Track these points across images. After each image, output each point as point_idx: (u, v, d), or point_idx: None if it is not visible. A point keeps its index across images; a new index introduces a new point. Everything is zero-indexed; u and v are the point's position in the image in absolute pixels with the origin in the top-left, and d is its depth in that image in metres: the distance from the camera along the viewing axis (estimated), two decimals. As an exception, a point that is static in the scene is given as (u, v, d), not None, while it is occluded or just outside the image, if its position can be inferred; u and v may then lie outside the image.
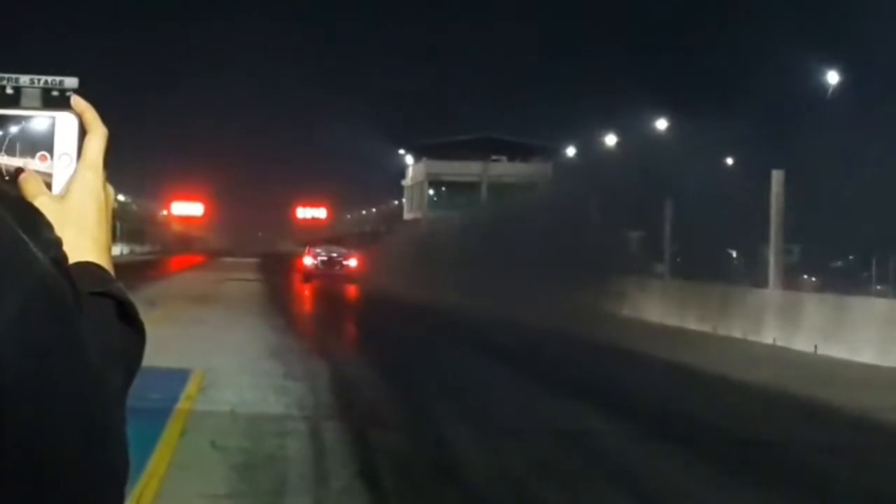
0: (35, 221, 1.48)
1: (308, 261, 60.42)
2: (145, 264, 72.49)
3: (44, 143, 1.72)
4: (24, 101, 1.74)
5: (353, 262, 60.29)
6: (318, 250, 61.29)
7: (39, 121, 1.74)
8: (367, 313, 38.29)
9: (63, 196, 1.67)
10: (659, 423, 15.92)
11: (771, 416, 17.43)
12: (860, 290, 37.53)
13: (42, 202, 1.62)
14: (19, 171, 1.67)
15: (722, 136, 54.52)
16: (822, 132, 58.23)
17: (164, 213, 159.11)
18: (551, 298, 38.88)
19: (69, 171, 1.70)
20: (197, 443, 13.09)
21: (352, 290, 51.55)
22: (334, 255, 60.51)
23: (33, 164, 1.71)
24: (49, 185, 1.69)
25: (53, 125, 1.73)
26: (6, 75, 1.75)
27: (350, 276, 57.67)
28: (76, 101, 1.72)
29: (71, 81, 1.77)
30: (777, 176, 31.22)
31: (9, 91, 1.74)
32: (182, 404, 15.86)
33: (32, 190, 1.65)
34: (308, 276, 57.89)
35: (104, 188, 1.71)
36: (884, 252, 47.42)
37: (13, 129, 1.73)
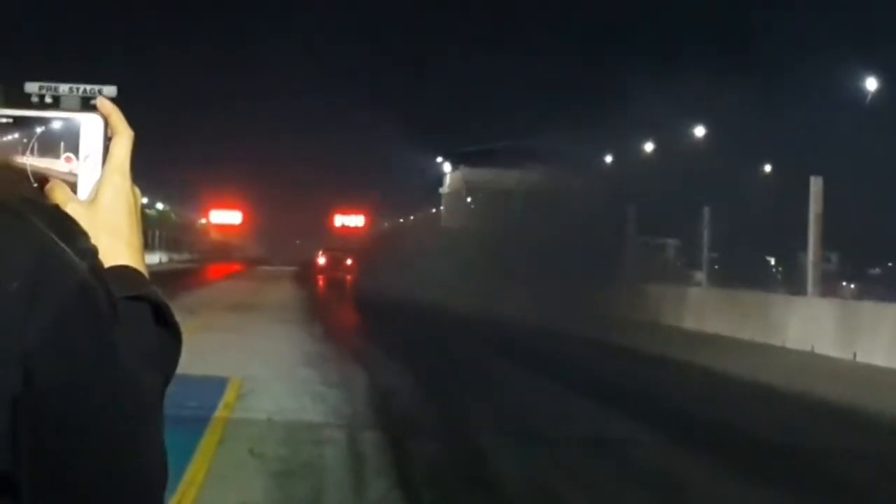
0: (71, 230, 1.49)
1: (321, 260, 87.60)
2: (183, 273, 72.68)
3: (69, 145, 1.73)
4: (62, 109, 1.75)
5: (349, 262, 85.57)
6: (327, 255, 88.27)
7: (65, 123, 1.74)
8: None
9: (92, 201, 1.68)
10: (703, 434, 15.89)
11: (811, 424, 17.35)
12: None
13: (73, 209, 1.63)
14: (45, 179, 1.67)
15: (760, 141, 54.31)
16: (860, 138, 57.96)
17: (203, 221, 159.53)
18: (586, 306, 38.84)
19: (95, 174, 1.71)
20: (235, 451, 13.12)
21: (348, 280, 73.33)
22: (338, 257, 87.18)
23: (58, 164, 1.72)
24: (74, 188, 1.70)
25: (79, 127, 1.74)
26: (46, 84, 1.76)
27: (347, 271, 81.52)
28: (102, 103, 1.73)
29: (109, 90, 1.77)
30: (815, 183, 31.08)
31: (48, 100, 1.75)
32: (220, 412, 15.90)
33: (61, 197, 1.66)
34: (320, 270, 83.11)
35: (132, 190, 1.72)
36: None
37: (40, 132, 1.73)
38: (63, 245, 1.42)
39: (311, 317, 37.67)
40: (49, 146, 1.74)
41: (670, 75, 65.14)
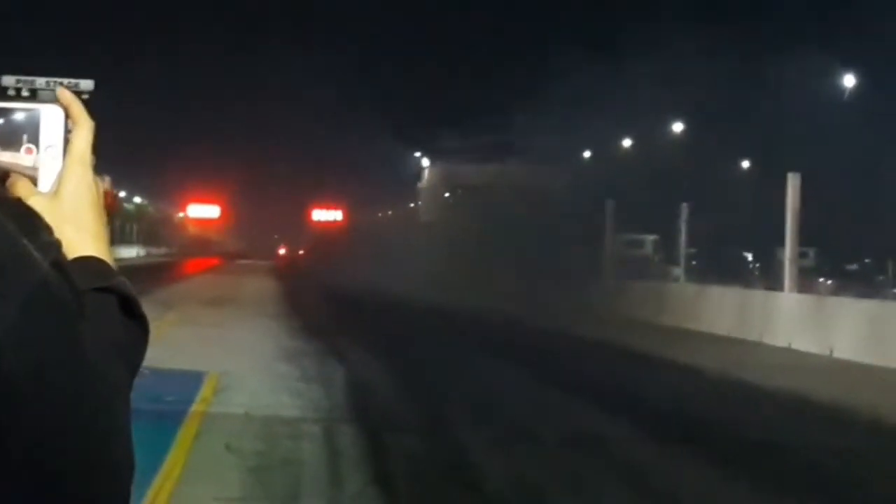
0: (34, 224, 1.48)
1: (281, 251, 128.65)
2: (161, 266, 72.59)
3: (30, 137, 1.71)
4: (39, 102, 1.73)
5: (300, 252, 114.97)
6: (285, 247, 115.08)
7: (26, 114, 1.72)
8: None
9: (55, 193, 1.66)
10: (679, 428, 15.91)
11: (788, 420, 17.40)
12: (877, 293, 37.39)
13: (36, 202, 1.61)
14: (6, 175, 1.66)
15: (737, 138, 54.53)
16: (838, 135, 58.19)
17: (181, 215, 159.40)
18: (563, 301, 39.03)
19: (56, 164, 1.69)
20: (212, 445, 13.09)
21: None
22: (293, 248, 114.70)
23: (19, 157, 1.70)
24: (35, 181, 1.68)
25: (39, 118, 1.72)
26: (23, 78, 1.74)
27: (299, 259, 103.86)
28: (62, 93, 1.71)
29: (87, 84, 1.75)
30: (793, 179, 31.16)
31: (24, 93, 1.73)
32: (197, 407, 15.87)
33: (23, 192, 1.64)
34: (280, 258, 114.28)
35: (94, 181, 1.70)
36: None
37: (0, 123, 1.71)
38: (25, 239, 1.41)
39: (288, 311, 37.69)
40: (10, 138, 1.72)
41: (649, 70, 65.24)
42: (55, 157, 1.70)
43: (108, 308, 1.55)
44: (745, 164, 71.87)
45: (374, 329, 30.18)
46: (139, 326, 1.60)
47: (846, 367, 24.64)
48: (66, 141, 1.71)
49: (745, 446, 14.63)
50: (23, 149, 1.71)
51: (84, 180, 1.68)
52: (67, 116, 1.71)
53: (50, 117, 1.72)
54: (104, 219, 1.69)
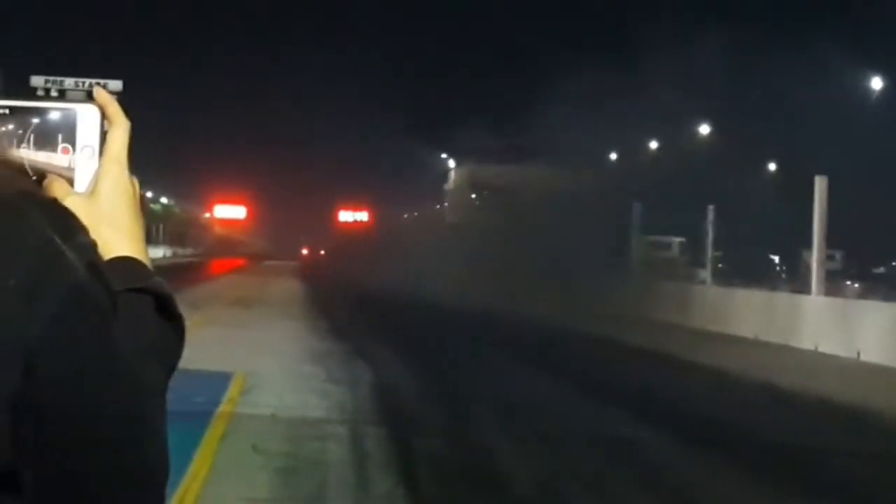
0: (70, 224, 1.48)
1: (304, 251, 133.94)
2: (187, 267, 72.74)
3: (66, 137, 1.72)
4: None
5: (321, 252, 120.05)
6: (308, 248, 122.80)
7: (62, 114, 1.73)
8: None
9: (91, 193, 1.67)
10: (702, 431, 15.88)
11: (815, 423, 17.34)
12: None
13: (72, 202, 1.61)
14: (43, 175, 1.66)
15: (764, 140, 54.39)
16: (865, 137, 57.97)
17: (207, 215, 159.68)
18: (590, 303, 39.03)
19: (92, 164, 1.70)
20: (238, 446, 13.12)
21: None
22: (315, 249, 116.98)
23: (56, 157, 1.71)
24: (72, 182, 1.69)
25: (75, 118, 1.72)
26: (52, 78, 1.75)
27: (321, 259, 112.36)
28: (99, 93, 1.71)
29: (115, 84, 1.76)
30: (820, 182, 31.05)
31: (53, 93, 1.74)
32: (224, 407, 15.90)
33: (60, 192, 1.64)
34: (302, 259, 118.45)
35: (130, 181, 1.70)
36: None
37: (36, 123, 1.72)
38: (61, 240, 1.42)
39: (314, 312, 37.73)
40: (46, 138, 1.73)
41: (675, 74, 65.09)
42: (91, 157, 1.71)
43: (143, 308, 1.56)
44: (772, 166, 71.67)
45: (400, 330, 30.18)
46: (175, 327, 1.61)
47: (873, 371, 24.54)
48: (103, 141, 1.72)
49: (772, 449, 14.58)
50: (59, 149, 1.72)
51: (121, 180, 1.68)
52: (104, 116, 1.72)
53: (86, 117, 1.73)
54: (141, 219, 1.70)
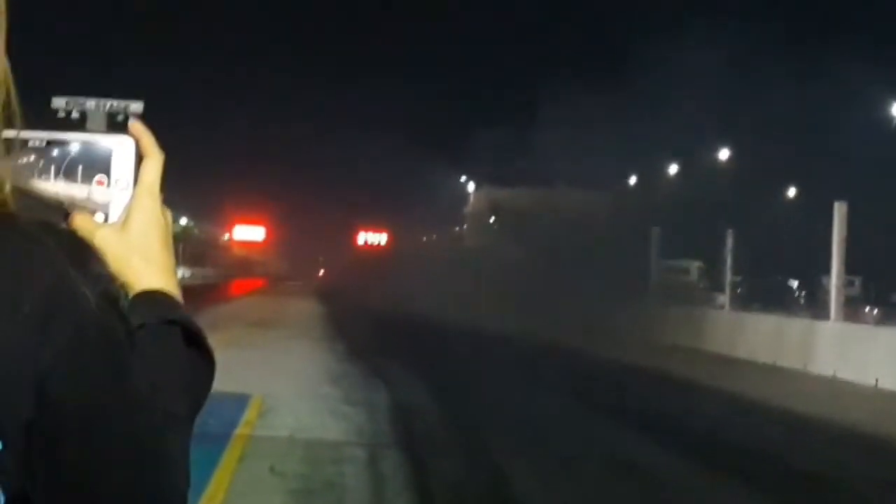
0: (85, 254, 1.51)
1: (322, 273, 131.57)
2: (206, 288, 72.80)
3: (101, 168, 1.73)
4: (89, 124, 1.74)
5: (340, 273, 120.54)
6: (325, 269, 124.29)
7: (97, 145, 1.74)
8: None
9: (123, 224, 1.68)
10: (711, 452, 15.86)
11: (833, 450, 17.30)
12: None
13: (104, 234, 1.64)
14: (68, 212, 1.66)
15: (784, 165, 54.26)
16: (886, 163, 57.83)
17: (227, 236, 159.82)
18: (609, 327, 39.04)
19: (126, 195, 1.72)
20: (256, 468, 13.13)
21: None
22: (329, 270, 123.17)
23: (89, 188, 1.72)
24: (104, 212, 1.70)
25: (111, 150, 1.73)
26: (73, 98, 1.75)
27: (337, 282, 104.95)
28: (133, 126, 1.70)
29: (136, 106, 1.78)
30: (839, 208, 31.00)
31: (74, 115, 1.75)
32: (241, 430, 15.92)
33: (88, 226, 1.65)
34: (319, 280, 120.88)
35: (162, 213, 1.72)
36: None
37: (72, 153, 1.73)
38: (76, 269, 1.43)
39: (332, 333, 37.75)
40: (82, 168, 1.75)
41: (695, 96, 65.06)
42: (125, 188, 1.72)
43: (171, 340, 1.58)
44: (794, 190, 71.52)
45: (417, 353, 30.17)
46: (204, 359, 1.63)
47: (890, 398, 24.46)
48: (137, 172, 1.74)
49: (790, 476, 14.57)
50: (94, 180, 1.74)
51: (153, 212, 1.69)
52: (138, 148, 1.74)
53: (121, 149, 1.74)
54: (172, 250, 1.71)
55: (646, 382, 25.72)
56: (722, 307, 42.03)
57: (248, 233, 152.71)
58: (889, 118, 57.66)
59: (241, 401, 18.46)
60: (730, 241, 40.49)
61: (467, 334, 39.34)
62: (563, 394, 22.56)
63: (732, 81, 63.80)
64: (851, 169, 56.03)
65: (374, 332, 38.86)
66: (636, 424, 18.43)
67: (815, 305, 43.08)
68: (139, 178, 1.71)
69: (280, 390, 20.26)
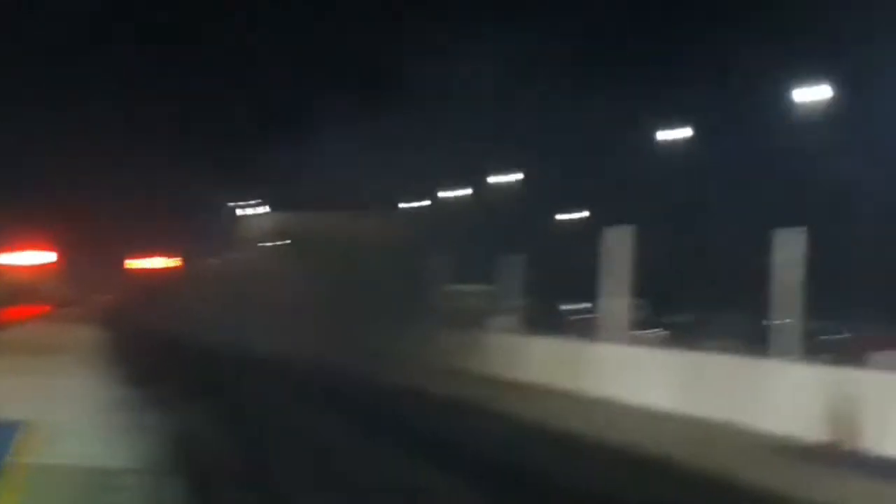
0: None
1: (102, 298, 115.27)
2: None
3: None
4: None
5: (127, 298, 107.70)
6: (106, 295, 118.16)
7: None
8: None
9: None
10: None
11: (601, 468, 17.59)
12: (699, 344, 37.85)
13: None
14: None
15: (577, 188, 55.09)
16: (667, 184, 59.29)
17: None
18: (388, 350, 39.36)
19: None
20: (32, 499, 12.84)
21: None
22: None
23: None
24: None
25: None
26: None
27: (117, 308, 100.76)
28: None
29: None
30: (619, 232, 31.50)
31: None
32: (14, 458, 15.52)
33: None
34: (101, 305, 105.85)
35: None
36: (725, 307, 48.56)
37: None
38: None
39: (114, 359, 37.16)
40: None
41: (486, 116, 65.55)
42: None
43: None
44: (585, 213, 72.39)
45: (201, 379, 29.87)
46: None
47: (666, 419, 24.89)
48: None
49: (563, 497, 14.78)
50: None
51: None
52: None
53: None
54: None
55: (426, 406, 25.85)
56: (508, 331, 42.47)
57: (23, 258, 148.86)
58: (657, 141, 59.45)
59: (14, 428, 18.04)
60: (518, 265, 40.97)
61: (252, 360, 39.02)
62: (345, 420, 22.48)
63: (521, 101, 64.40)
64: (642, 191, 57.40)
65: (158, 358, 38.32)
66: (417, 449, 18.45)
67: (601, 328, 43.67)
68: None
69: (58, 417, 19.85)
